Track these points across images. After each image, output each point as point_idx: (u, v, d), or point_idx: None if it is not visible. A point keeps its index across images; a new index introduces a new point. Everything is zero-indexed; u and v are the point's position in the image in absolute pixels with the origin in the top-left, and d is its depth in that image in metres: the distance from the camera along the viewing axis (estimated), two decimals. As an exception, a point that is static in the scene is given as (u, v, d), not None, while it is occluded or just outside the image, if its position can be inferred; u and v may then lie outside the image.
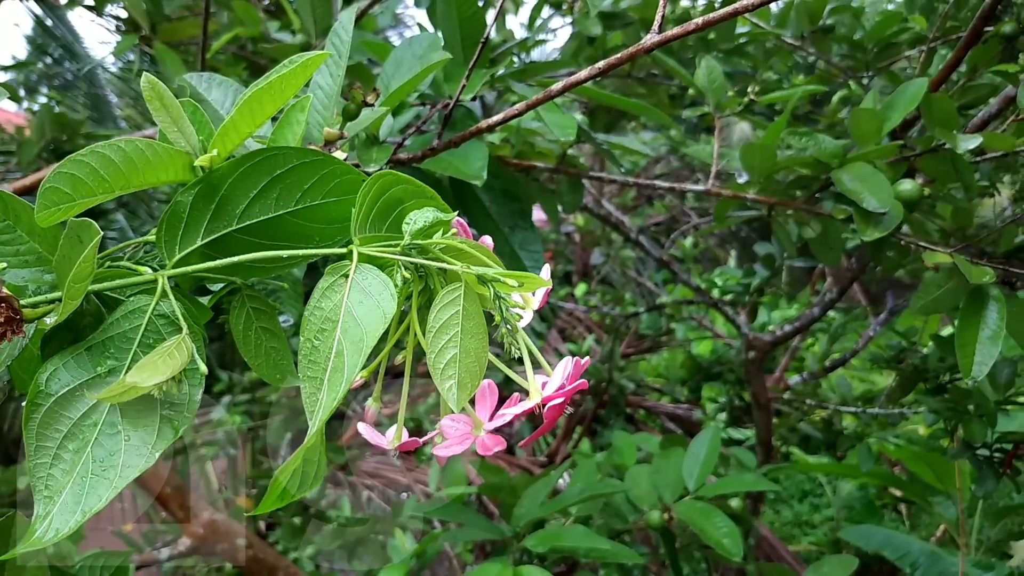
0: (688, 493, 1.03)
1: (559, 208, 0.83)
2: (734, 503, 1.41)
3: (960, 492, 3.89)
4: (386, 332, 0.33)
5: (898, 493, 4.32)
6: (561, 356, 3.46)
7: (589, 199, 1.64)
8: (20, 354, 0.30)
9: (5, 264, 0.26)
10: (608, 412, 2.37)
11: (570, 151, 0.79)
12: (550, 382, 0.30)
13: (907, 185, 0.76)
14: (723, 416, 2.49)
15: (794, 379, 2.61)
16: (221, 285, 0.34)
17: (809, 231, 0.82)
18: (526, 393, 0.31)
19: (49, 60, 3.59)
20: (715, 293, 1.96)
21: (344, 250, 0.29)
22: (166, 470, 1.36)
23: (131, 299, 0.29)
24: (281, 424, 2.19)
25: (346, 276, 0.28)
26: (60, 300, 0.27)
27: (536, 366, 0.32)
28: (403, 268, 0.29)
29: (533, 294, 0.34)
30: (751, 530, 1.74)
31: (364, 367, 0.33)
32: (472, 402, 0.32)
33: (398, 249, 0.29)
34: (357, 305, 0.27)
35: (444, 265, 0.29)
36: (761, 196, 0.80)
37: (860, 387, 3.39)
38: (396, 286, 0.28)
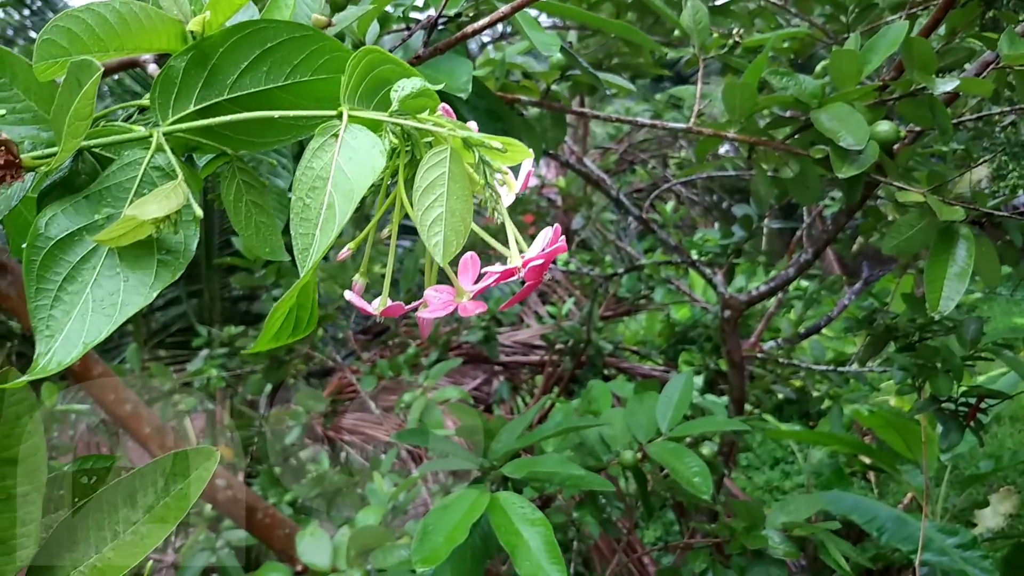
0: (661, 435, 1.05)
1: (543, 147, 0.84)
2: (705, 451, 1.44)
3: (927, 461, 3.98)
4: (374, 199, 0.34)
5: (867, 461, 4.42)
6: (541, 319, 3.47)
7: (572, 158, 1.64)
8: (15, 213, 0.30)
9: (3, 111, 0.27)
10: (585, 372, 2.39)
11: (554, 87, 0.80)
12: (531, 247, 0.32)
13: (884, 126, 0.78)
14: (699, 380, 2.52)
15: (769, 344, 2.65)
16: (210, 158, 0.34)
17: (787, 171, 0.83)
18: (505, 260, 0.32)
19: (28, 12, 3.51)
20: (693, 255, 1.98)
21: (334, 112, 0.30)
22: (145, 411, 1.36)
23: (126, 154, 0.30)
24: (260, 378, 2.20)
25: (336, 136, 0.29)
26: (57, 154, 0.28)
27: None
28: (391, 134, 0.30)
29: (516, 176, 0.35)
30: (722, 481, 1.78)
31: (351, 239, 0.35)
32: (454, 273, 0.33)
33: (387, 114, 0.30)
34: (347, 162, 0.28)
35: (431, 127, 0.30)
36: (741, 135, 0.82)
37: (833, 356, 3.44)
38: (385, 147, 0.29)
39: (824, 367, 1.81)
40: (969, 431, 3.78)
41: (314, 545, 1.10)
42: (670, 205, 2.62)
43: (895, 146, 0.98)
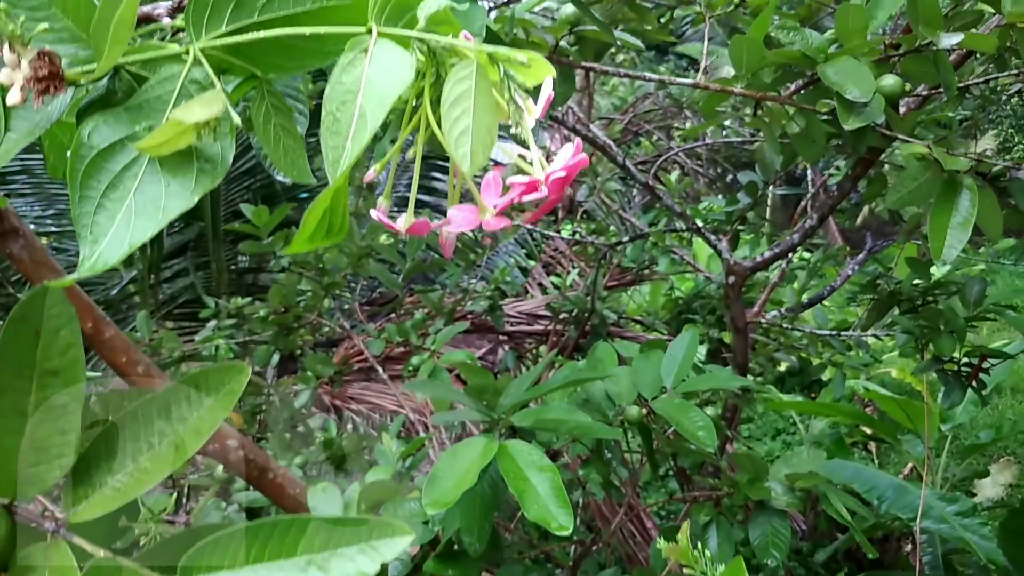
0: (666, 391, 1.07)
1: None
2: (709, 412, 1.46)
3: (928, 431, 4.01)
4: (398, 124, 0.36)
5: (868, 431, 4.46)
6: (545, 291, 3.48)
7: (577, 124, 1.65)
8: (50, 133, 0.32)
9: (44, 25, 0.28)
10: (589, 341, 2.41)
11: (562, 43, 0.81)
12: (555, 160, 0.33)
13: (889, 80, 0.79)
14: (702, 350, 2.54)
15: (772, 314, 2.66)
16: (239, 82, 0.36)
17: (793, 126, 0.84)
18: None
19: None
20: (698, 223, 1.99)
21: (363, 28, 0.31)
22: (157, 373, 1.38)
23: (163, 69, 0.31)
24: (268, 348, 2.22)
25: (365, 51, 0.30)
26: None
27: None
28: (418, 52, 0.31)
29: (536, 102, 0.36)
30: (725, 446, 1.81)
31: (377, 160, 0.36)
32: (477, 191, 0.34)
33: (414, 31, 0.31)
34: (377, 75, 0.29)
35: (457, 44, 0.31)
36: (748, 91, 0.83)
37: (835, 325, 3.45)
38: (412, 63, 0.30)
39: (827, 331, 1.82)
40: (971, 392, 3.80)
41: (325, 500, 1.12)
42: (674, 175, 2.62)
43: (901, 109, 0.99)
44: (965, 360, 1.34)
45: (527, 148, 0.33)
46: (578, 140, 0.36)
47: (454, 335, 1.49)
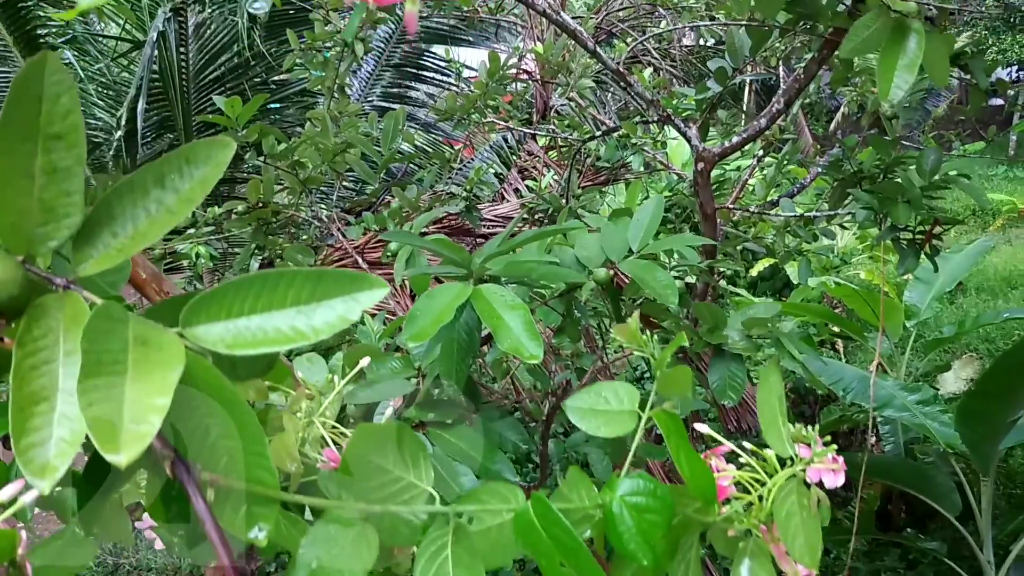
0: (633, 253, 1.12)
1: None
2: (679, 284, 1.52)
3: (891, 326, 4.14)
4: None
5: (836, 330, 4.60)
6: (521, 195, 3.51)
7: (548, 9, 1.65)
8: None
9: None
10: (565, 238, 2.46)
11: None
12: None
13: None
14: (675, 246, 2.58)
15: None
16: None
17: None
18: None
19: None
20: (668, 111, 2.01)
21: None
22: (141, 258, 1.41)
23: None
24: (247, 250, 2.24)
25: None
26: None
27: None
28: None
29: None
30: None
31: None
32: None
33: None
34: None
35: None
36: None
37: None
38: None
39: (793, 214, 1.87)
40: (935, 290, 3.94)
41: (311, 368, 1.18)
42: (647, 73, 2.62)
43: None
44: (920, 228, 1.40)
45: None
46: None
47: (432, 219, 1.52)
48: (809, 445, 0.59)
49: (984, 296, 5.80)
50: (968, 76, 1.57)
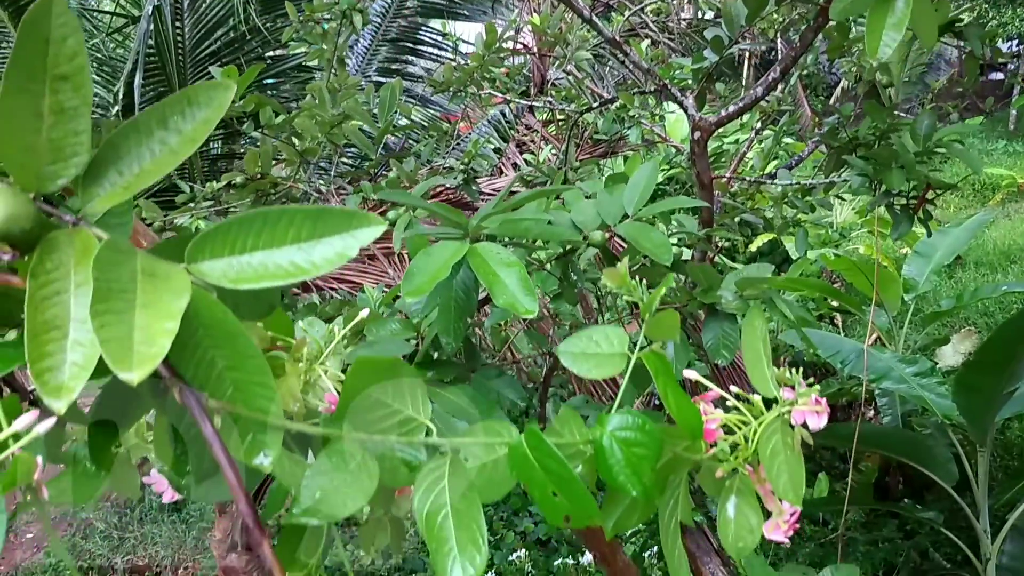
0: (628, 217, 1.14)
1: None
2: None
3: (889, 300, 4.15)
4: None
5: (835, 304, 4.62)
6: (519, 169, 3.52)
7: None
8: None
9: None
10: (563, 210, 2.47)
11: None
12: None
13: None
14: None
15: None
16: None
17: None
18: None
19: None
20: (665, 81, 2.02)
21: None
22: (141, 226, 1.43)
23: None
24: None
25: None
26: None
27: None
28: None
29: None
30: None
31: None
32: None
33: None
34: None
35: None
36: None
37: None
38: None
39: (789, 182, 1.88)
40: (933, 262, 3.96)
41: (309, 331, 1.20)
42: (645, 44, 2.62)
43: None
44: (913, 194, 1.42)
45: None
46: None
47: (431, 187, 1.53)
48: (794, 387, 0.61)
49: (983, 270, 5.81)
50: (964, 44, 1.58)
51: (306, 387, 0.64)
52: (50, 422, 0.44)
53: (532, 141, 3.23)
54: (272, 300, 0.53)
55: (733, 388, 0.62)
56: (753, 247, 5.04)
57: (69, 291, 0.39)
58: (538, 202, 1.18)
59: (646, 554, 3.27)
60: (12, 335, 0.51)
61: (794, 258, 5.01)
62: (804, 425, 0.60)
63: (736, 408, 0.61)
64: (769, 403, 0.62)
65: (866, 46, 0.79)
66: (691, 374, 0.64)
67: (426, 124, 3.13)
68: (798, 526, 0.59)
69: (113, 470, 0.87)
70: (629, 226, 1.09)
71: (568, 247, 1.22)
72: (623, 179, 1.23)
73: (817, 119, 2.68)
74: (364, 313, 0.72)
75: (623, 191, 1.16)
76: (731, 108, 1.87)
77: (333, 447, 0.49)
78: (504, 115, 3.48)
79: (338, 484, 0.48)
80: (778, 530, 0.60)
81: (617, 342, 0.57)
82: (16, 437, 0.43)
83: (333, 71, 2.25)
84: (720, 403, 0.64)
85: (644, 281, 0.58)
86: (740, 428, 0.60)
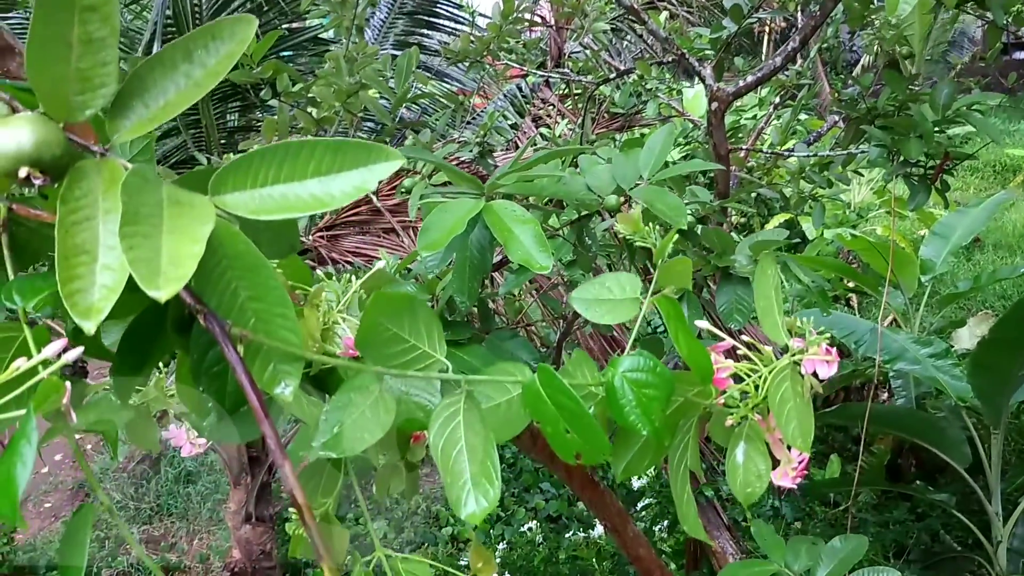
0: (643, 180, 1.14)
1: None
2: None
3: (906, 280, 4.12)
4: None
5: (851, 285, 4.59)
6: (534, 144, 3.53)
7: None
8: None
9: None
10: (578, 184, 2.47)
11: None
12: None
13: None
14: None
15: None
16: None
17: None
18: None
19: None
20: (683, 50, 2.01)
21: None
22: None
23: None
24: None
25: None
26: None
27: None
28: None
29: None
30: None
31: None
32: None
33: None
34: None
35: None
36: None
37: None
38: None
39: (806, 153, 1.87)
40: (950, 243, 3.92)
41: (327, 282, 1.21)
42: (663, 16, 2.60)
43: None
44: (931, 163, 1.40)
45: None
46: None
47: (447, 155, 1.54)
48: (804, 337, 0.61)
49: (1001, 253, 5.76)
50: (986, 13, 1.56)
51: (324, 334, 0.65)
52: (78, 351, 0.46)
53: (548, 115, 3.22)
54: (292, 240, 0.54)
55: (744, 337, 0.63)
56: (769, 227, 5.02)
57: (97, 217, 0.40)
58: (553, 162, 1.18)
59: (656, 528, 3.29)
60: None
61: (810, 238, 4.98)
62: (814, 375, 0.61)
63: (747, 357, 0.62)
64: (780, 355, 0.62)
65: (886, 5, 0.79)
66: (703, 324, 0.64)
67: (442, 98, 3.13)
68: (806, 472, 0.60)
69: (133, 424, 0.89)
70: (644, 190, 1.09)
71: (583, 212, 1.22)
72: (639, 144, 1.23)
73: (837, 95, 2.68)
74: (380, 264, 0.73)
75: (638, 155, 1.17)
76: (749, 79, 1.86)
77: (351, 382, 0.50)
78: (520, 89, 3.47)
79: (356, 418, 0.49)
80: (786, 477, 0.61)
81: (630, 288, 0.58)
82: (45, 364, 0.45)
83: (352, 40, 2.25)
84: (732, 355, 0.64)
85: (659, 227, 0.59)
86: (750, 376, 0.61)
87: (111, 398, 0.55)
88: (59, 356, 0.45)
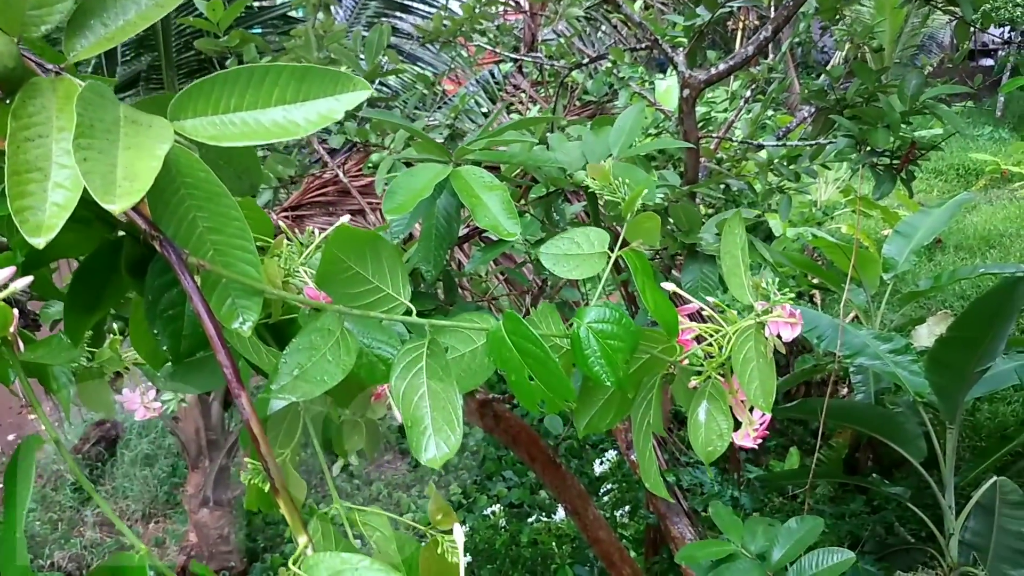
0: (612, 157, 1.14)
1: None
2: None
3: (868, 278, 4.19)
4: None
5: (815, 281, 4.66)
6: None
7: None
8: None
9: None
10: (549, 169, 2.46)
11: None
12: None
13: None
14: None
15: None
16: None
17: None
18: None
19: None
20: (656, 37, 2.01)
21: None
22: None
23: None
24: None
25: None
26: None
27: None
28: None
29: None
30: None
31: None
32: None
33: None
34: None
35: None
36: None
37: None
38: None
39: (774, 143, 1.88)
40: (912, 243, 3.99)
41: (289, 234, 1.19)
42: (638, 4, 2.61)
43: None
44: (897, 154, 1.42)
45: None
46: None
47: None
48: (769, 299, 0.62)
49: (962, 254, 5.88)
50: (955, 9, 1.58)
51: (284, 285, 0.64)
52: (27, 280, 0.44)
53: (520, 102, 3.21)
54: (254, 179, 0.53)
55: (710, 298, 0.63)
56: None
57: (51, 135, 0.39)
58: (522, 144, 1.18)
59: (617, 513, 3.31)
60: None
61: (776, 235, 5.04)
62: (778, 336, 0.61)
63: (712, 319, 0.62)
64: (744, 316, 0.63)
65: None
66: (669, 286, 0.64)
67: (413, 80, 3.11)
68: (767, 433, 0.60)
69: (86, 387, 0.86)
70: (613, 165, 1.09)
71: (551, 189, 1.22)
72: (609, 122, 1.23)
73: (807, 87, 2.70)
74: (345, 218, 0.71)
75: (608, 133, 1.17)
76: (721, 67, 1.86)
77: (312, 324, 0.49)
78: (493, 75, 3.45)
79: (317, 361, 0.48)
80: (747, 437, 0.61)
81: (598, 242, 0.58)
82: (-7, 293, 0.43)
83: (318, 19, 2.22)
84: (697, 318, 0.64)
85: (627, 182, 0.59)
86: (716, 340, 0.61)
87: (61, 337, 0.53)
88: (6, 285, 0.43)
